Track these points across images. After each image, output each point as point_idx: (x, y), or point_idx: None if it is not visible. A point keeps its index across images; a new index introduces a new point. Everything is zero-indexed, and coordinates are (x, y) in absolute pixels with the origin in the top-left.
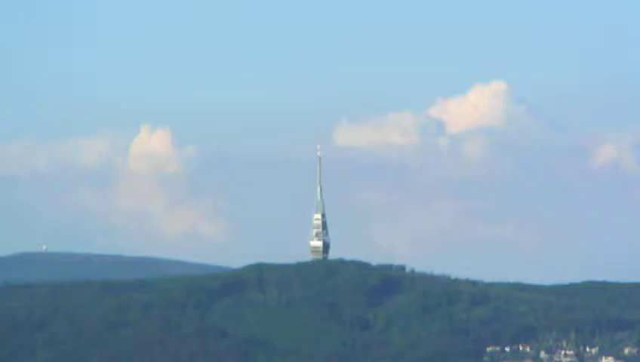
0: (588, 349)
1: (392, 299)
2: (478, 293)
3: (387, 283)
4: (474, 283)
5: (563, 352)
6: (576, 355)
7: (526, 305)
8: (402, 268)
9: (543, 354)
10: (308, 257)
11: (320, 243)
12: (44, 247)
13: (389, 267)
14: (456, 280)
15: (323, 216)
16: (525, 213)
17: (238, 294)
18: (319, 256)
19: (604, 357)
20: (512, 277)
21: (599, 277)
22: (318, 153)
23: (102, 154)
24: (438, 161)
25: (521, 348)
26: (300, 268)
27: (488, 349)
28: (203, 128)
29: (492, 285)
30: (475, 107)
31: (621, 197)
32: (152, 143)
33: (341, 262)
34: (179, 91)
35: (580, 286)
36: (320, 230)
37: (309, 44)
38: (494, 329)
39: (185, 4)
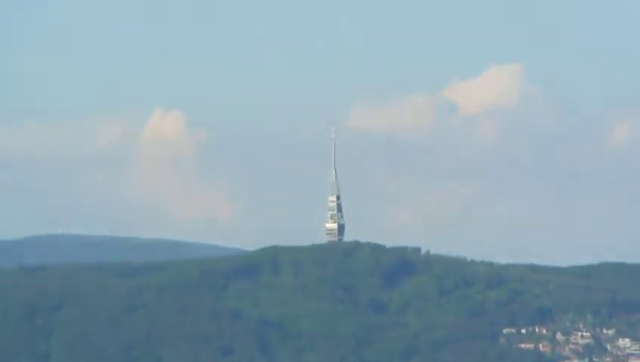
0: (604, 331)
1: (407, 281)
2: (494, 275)
3: (402, 265)
4: (490, 265)
5: (579, 334)
6: (593, 337)
7: (542, 287)
8: (418, 250)
9: (559, 336)
10: (323, 239)
11: (335, 226)
12: (60, 230)
13: (405, 249)
14: (472, 262)
15: (338, 198)
16: (540, 195)
17: (252, 276)
18: (334, 239)
19: (620, 339)
20: (527, 259)
21: (615, 259)
22: (333, 135)
23: (116, 136)
24: (452, 142)
25: (537, 330)
26: (314, 250)
27: (504, 331)
28: (216, 111)
29: (508, 267)
30: (489, 89)
31: (636, 178)
32: (166, 126)
33: (356, 244)
34: (191, 74)
35: (596, 267)
36: (335, 212)
37: (323, 26)
38: (510, 311)
39: None
